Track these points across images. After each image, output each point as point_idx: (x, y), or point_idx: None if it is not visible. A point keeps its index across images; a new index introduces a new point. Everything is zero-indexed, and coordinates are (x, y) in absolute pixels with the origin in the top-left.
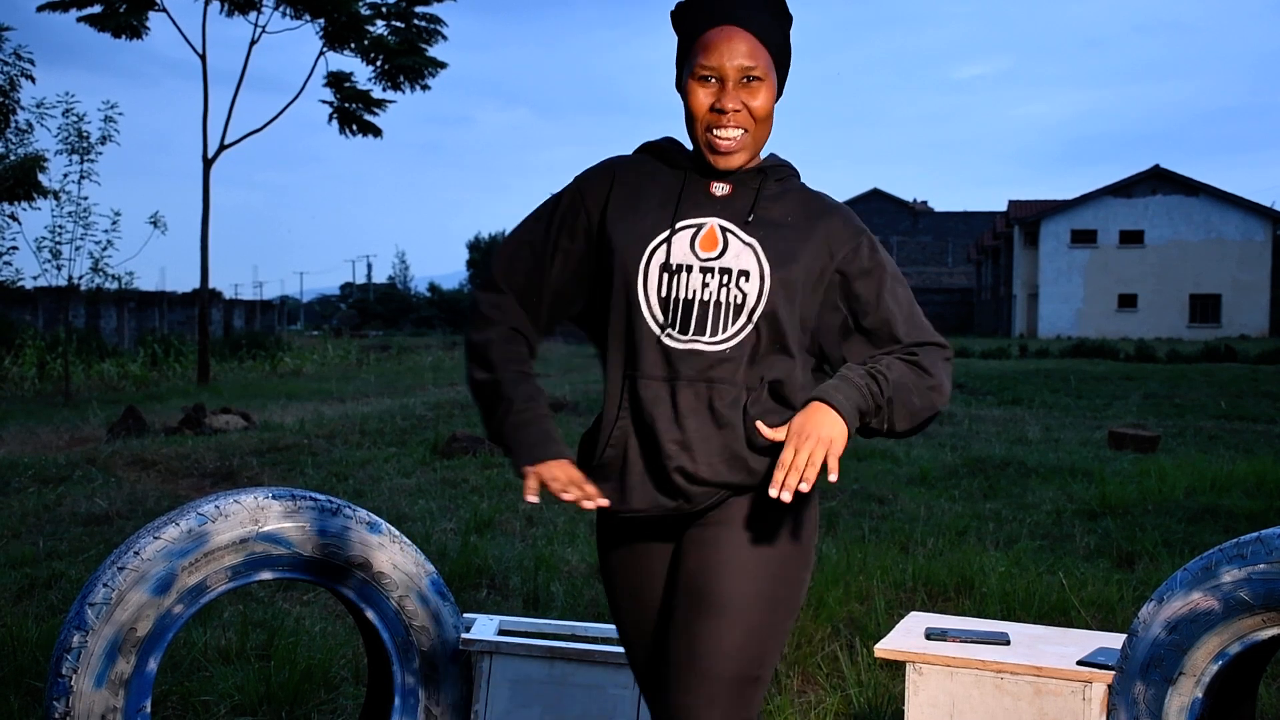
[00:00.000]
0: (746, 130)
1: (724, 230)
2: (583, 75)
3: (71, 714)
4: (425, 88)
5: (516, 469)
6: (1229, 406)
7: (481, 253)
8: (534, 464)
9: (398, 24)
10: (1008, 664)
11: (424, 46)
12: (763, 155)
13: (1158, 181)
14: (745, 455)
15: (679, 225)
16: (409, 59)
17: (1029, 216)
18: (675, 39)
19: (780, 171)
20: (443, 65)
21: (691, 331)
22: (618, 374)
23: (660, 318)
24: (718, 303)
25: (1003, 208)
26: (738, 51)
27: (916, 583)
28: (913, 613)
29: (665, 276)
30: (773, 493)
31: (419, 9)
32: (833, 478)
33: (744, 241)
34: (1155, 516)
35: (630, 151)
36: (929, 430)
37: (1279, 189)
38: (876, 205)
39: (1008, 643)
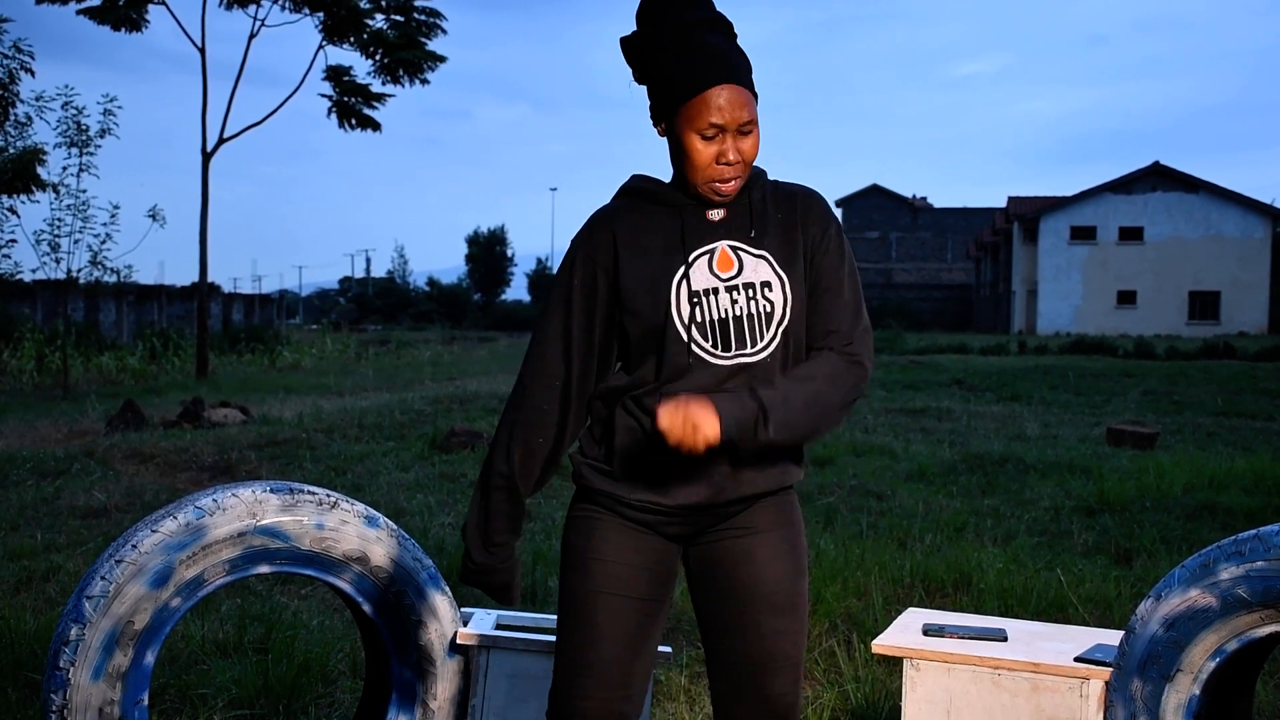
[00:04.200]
0: (741, 175)
1: (734, 249)
2: (582, 70)
3: (69, 706)
4: (425, 82)
5: None
6: (1227, 404)
7: (480, 246)
8: None
9: (397, 18)
10: (1005, 660)
11: (423, 40)
12: None
13: (1157, 178)
14: (782, 454)
15: (693, 255)
16: (408, 53)
17: (1028, 213)
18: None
19: (758, 181)
20: (442, 59)
21: (734, 347)
22: (656, 395)
23: (701, 341)
24: (750, 315)
25: (1002, 204)
26: (739, 106)
27: (914, 579)
28: (910, 609)
29: (694, 303)
30: (660, 422)
31: (418, 3)
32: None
33: (755, 255)
34: (1153, 513)
35: (620, 180)
36: (928, 426)
37: (1278, 186)
38: (876, 201)
39: (1005, 639)
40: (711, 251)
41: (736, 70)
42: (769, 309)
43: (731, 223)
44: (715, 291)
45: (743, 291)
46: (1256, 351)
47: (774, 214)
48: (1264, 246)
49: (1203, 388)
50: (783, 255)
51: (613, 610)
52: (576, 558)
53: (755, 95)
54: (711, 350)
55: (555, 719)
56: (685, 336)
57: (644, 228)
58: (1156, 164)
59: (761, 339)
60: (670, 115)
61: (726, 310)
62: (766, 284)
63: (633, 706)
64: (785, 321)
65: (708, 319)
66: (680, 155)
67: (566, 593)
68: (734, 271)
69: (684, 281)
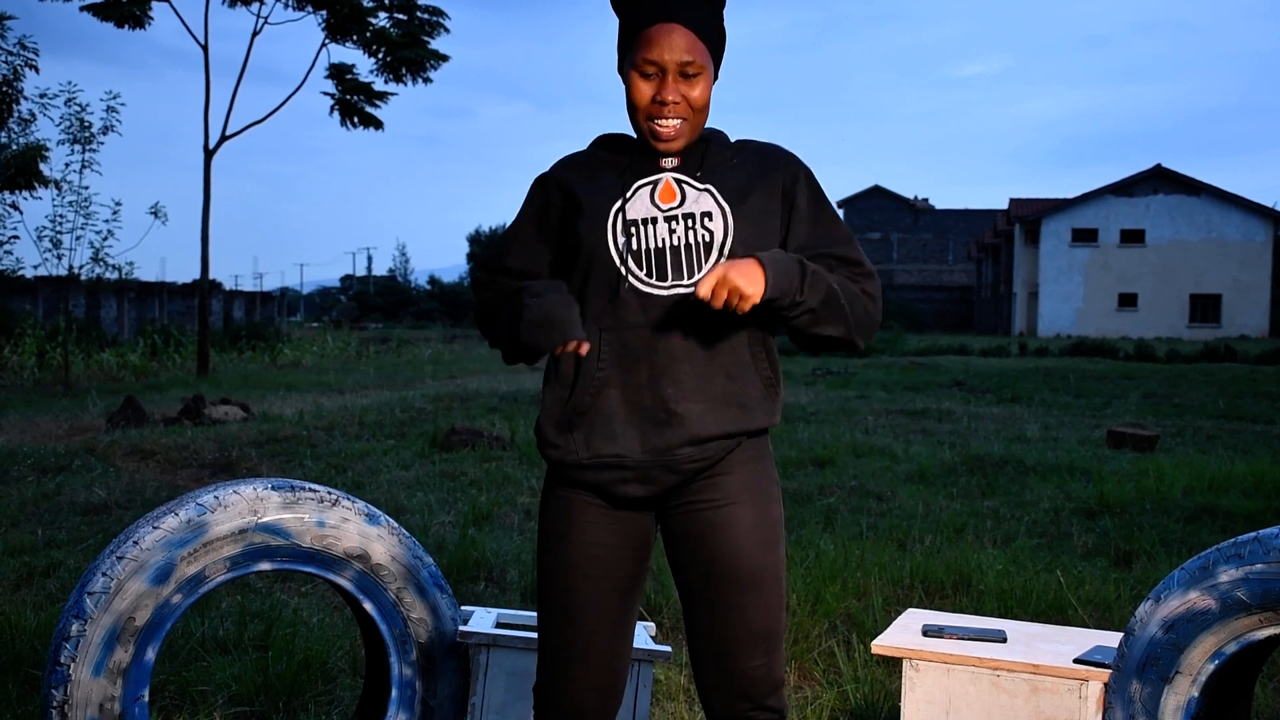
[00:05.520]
0: (685, 119)
1: (678, 182)
2: (581, 68)
3: (69, 702)
4: (427, 80)
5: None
6: (1228, 407)
7: (481, 245)
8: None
9: (400, 16)
10: (1004, 661)
11: (426, 39)
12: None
13: (1159, 181)
14: (737, 393)
15: (635, 185)
16: (411, 51)
17: (1030, 215)
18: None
19: (719, 138)
20: (444, 58)
21: (671, 277)
22: (592, 328)
23: (636, 270)
24: (688, 245)
25: (1004, 206)
26: (677, 47)
27: (914, 580)
28: (910, 609)
29: (632, 230)
30: (700, 292)
31: (421, 1)
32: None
33: (699, 188)
34: (1153, 516)
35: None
36: (928, 428)
37: None
38: (877, 202)
39: (1004, 640)
40: (655, 182)
41: (688, 15)
42: (708, 238)
43: (681, 166)
44: (654, 221)
45: (682, 221)
46: (1257, 354)
47: (730, 159)
48: (1265, 249)
49: (1203, 391)
50: (731, 190)
51: (592, 592)
52: (552, 542)
53: (708, 41)
54: (646, 279)
55: (542, 703)
56: (619, 265)
57: (597, 165)
58: (1158, 166)
59: (699, 269)
60: (622, 57)
61: (664, 240)
62: (707, 214)
63: (617, 684)
64: (725, 251)
65: (644, 248)
66: (628, 100)
67: (545, 577)
68: (676, 202)
69: (620, 212)
